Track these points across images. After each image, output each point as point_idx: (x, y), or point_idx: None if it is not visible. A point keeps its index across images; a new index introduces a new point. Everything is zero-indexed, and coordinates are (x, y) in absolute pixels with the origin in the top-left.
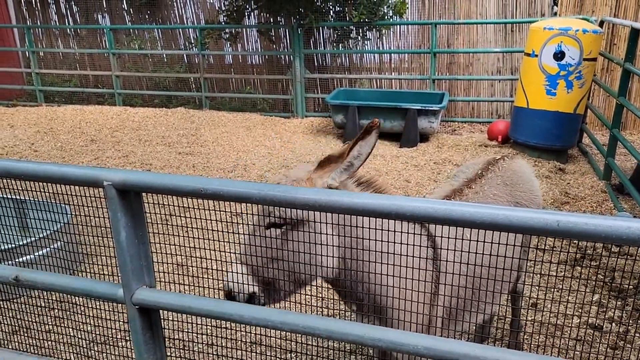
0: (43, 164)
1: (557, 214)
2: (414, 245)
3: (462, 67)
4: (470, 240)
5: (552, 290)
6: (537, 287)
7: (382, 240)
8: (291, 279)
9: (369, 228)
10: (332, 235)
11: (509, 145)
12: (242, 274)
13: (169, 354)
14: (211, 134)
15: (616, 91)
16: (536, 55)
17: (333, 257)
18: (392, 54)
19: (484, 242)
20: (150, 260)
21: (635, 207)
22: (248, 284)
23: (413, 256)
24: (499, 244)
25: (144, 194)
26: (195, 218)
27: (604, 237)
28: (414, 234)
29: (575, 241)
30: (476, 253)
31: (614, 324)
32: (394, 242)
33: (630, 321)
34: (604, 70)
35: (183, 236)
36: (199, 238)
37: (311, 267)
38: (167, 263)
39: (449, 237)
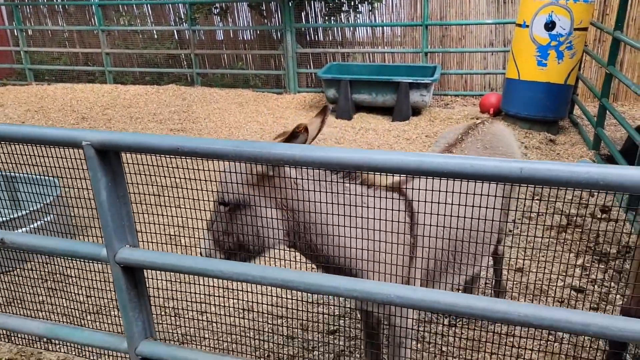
0: (23, 126)
1: (521, 161)
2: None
3: (455, 40)
4: (444, 195)
5: (538, 255)
6: (523, 252)
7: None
8: (244, 249)
9: (317, 202)
10: (274, 217)
11: (501, 118)
12: (211, 240)
13: (161, 322)
14: (203, 111)
15: (606, 61)
16: (527, 26)
17: (278, 234)
18: (385, 28)
19: (463, 193)
20: (132, 220)
21: None
22: (216, 250)
23: (365, 217)
24: (479, 205)
25: (143, 167)
26: (190, 179)
27: (565, 182)
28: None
29: (559, 207)
30: (455, 210)
31: (596, 286)
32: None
33: (612, 283)
34: (596, 41)
35: (176, 197)
36: (193, 199)
37: (259, 239)
38: (157, 224)
39: (418, 192)
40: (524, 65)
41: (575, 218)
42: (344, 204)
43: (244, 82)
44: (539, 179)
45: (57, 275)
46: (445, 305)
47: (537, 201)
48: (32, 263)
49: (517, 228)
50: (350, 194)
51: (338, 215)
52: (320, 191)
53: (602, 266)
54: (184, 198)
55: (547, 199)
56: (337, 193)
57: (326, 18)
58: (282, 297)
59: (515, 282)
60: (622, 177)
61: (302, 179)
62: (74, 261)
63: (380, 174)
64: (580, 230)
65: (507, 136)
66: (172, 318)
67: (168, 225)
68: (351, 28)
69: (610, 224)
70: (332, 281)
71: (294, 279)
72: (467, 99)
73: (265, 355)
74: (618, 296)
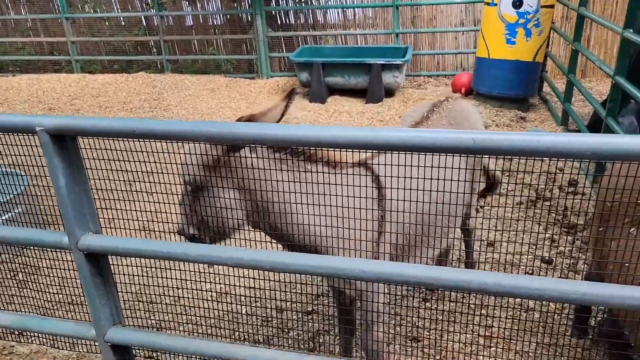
0: None
1: (473, 132)
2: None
3: (426, 20)
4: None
5: (508, 230)
6: (493, 227)
7: (288, 191)
8: (210, 230)
9: (272, 181)
10: (234, 198)
11: (472, 97)
12: (184, 224)
13: (136, 309)
14: (174, 98)
15: (572, 37)
16: (495, 4)
17: (239, 215)
18: (356, 9)
19: (431, 167)
20: (94, 206)
21: None
22: (190, 225)
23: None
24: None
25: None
26: (164, 162)
27: (518, 151)
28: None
29: (527, 182)
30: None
31: (564, 257)
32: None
33: (579, 254)
34: (563, 19)
35: (151, 182)
36: (167, 183)
37: (221, 219)
38: (130, 210)
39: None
40: (493, 44)
41: (544, 192)
42: (301, 182)
43: (215, 68)
44: (491, 149)
45: (29, 267)
46: (408, 277)
47: (506, 176)
48: (4, 255)
49: (487, 203)
50: (308, 172)
51: (290, 192)
52: (273, 169)
53: (570, 238)
54: (158, 183)
55: (524, 172)
56: (293, 171)
57: (297, 0)
58: (257, 279)
59: (486, 256)
60: (570, 145)
61: (254, 157)
62: (46, 252)
63: (340, 150)
64: (550, 203)
65: (472, 112)
66: (147, 305)
67: (143, 211)
68: (322, 10)
69: (577, 197)
70: (298, 259)
71: (259, 258)
72: (439, 79)
73: (242, 338)
74: (585, 266)
